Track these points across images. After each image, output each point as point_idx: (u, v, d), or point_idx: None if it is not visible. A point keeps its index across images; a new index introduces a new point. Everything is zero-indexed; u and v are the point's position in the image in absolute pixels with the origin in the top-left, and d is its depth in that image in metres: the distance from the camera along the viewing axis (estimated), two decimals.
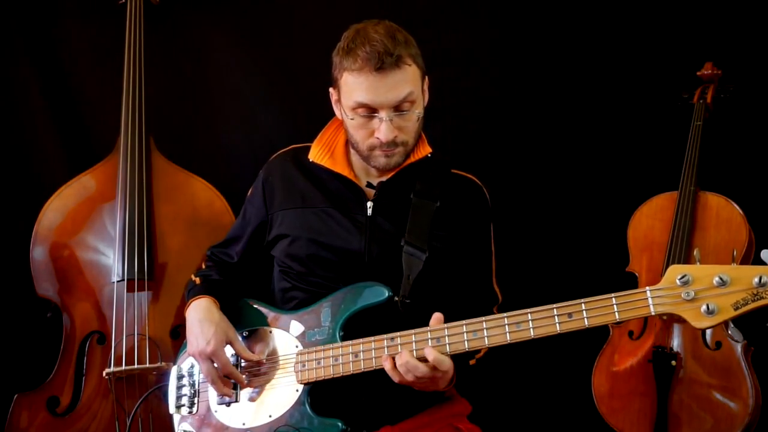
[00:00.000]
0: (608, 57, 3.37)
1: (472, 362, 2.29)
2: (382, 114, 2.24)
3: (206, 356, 2.29)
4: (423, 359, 2.06)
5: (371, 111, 2.25)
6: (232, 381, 2.34)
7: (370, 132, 2.28)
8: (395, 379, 2.10)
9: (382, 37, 2.20)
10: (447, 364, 2.07)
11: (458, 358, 2.15)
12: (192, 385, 2.42)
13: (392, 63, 2.18)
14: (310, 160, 2.44)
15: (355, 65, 2.21)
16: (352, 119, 2.29)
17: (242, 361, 2.35)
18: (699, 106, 3.19)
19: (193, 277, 2.52)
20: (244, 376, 2.33)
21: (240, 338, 2.37)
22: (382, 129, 2.25)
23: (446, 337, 2.06)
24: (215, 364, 2.30)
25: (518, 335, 1.98)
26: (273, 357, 2.32)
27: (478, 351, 2.29)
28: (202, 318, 2.34)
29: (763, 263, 1.77)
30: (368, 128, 2.28)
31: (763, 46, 3.22)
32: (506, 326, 2.00)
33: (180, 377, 2.45)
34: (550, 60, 3.42)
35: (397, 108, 2.24)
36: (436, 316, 2.11)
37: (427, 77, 2.38)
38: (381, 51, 2.17)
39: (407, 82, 2.23)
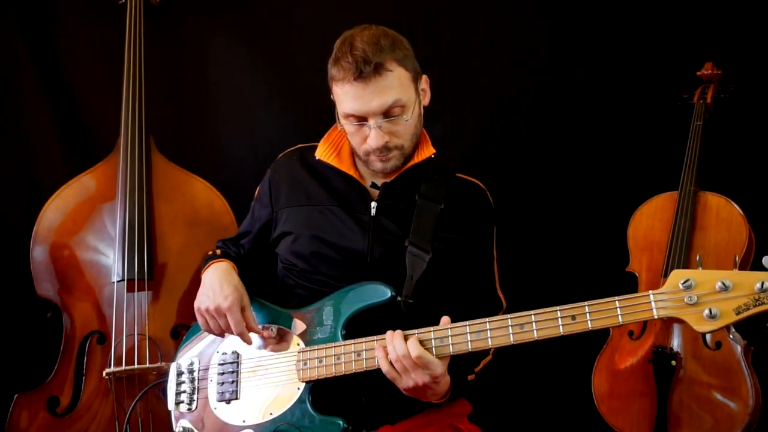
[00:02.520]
0: (608, 57, 3.37)
1: (471, 377, 2.30)
2: (371, 122, 2.25)
3: (222, 312, 2.29)
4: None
5: (360, 119, 2.27)
6: (233, 380, 2.35)
7: (363, 138, 2.30)
8: (384, 368, 2.11)
9: (365, 45, 2.20)
10: (436, 366, 2.07)
11: (456, 372, 2.16)
12: (191, 381, 2.42)
13: (371, 71, 2.19)
14: (317, 158, 2.45)
15: (339, 75, 2.24)
16: (344, 127, 2.32)
17: (243, 369, 2.35)
18: (699, 106, 3.18)
19: (210, 252, 2.54)
20: (244, 374, 2.34)
21: (252, 308, 2.37)
22: (372, 136, 2.27)
23: (449, 338, 2.06)
24: (230, 320, 2.29)
25: (521, 336, 1.99)
26: (274, 354, 2.32)
27: (477, 364, 2.31)
28: (221, 277, 2.35)
29: (764, 269, 1.79)
30: (361, 135, 2.30)
31: (763, 46, 3.22)
32: (510, 327, 2.01)
33: (179, 374, 2.45)
34: (550, 60, 3.42)
35: (386, 114, 2.25)
36: (445, 320, 2.11)
37: (425, 76, 2.38)
38: (359, 60, 2.18)
39: (392, 88, 2.23)
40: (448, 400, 2.29)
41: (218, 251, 2.52)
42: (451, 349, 2.06)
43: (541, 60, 3.43)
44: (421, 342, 2.08)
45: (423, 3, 3.43)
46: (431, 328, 2.09)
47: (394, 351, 2.08)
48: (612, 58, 3.37)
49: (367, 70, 2.18)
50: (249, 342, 2.33)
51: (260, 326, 2.36)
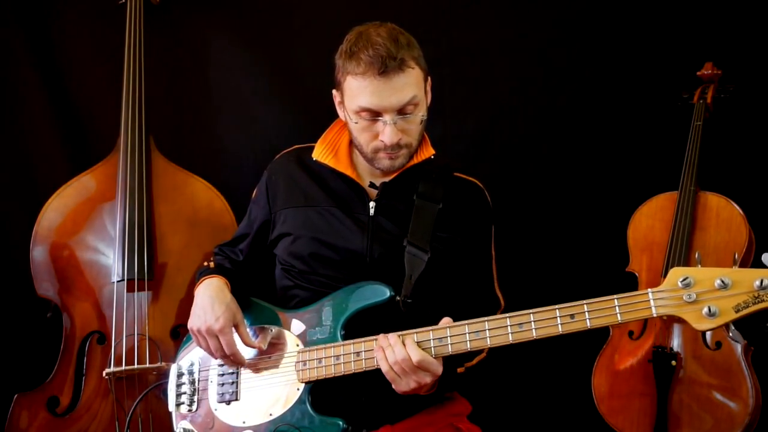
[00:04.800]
0: (609, 57, 3.37)
1: (460, 370, 2.28)
2: (386, 117, 2.24)
3: (213, 333, 2.29)
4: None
5: (375, 114, 2.25)
6: (232, 381, 2.35)
7: (374, 135, 2.29)
8: (384, 368, 2.10)
9: (385, 41, 2.19)
10: (436, 367, 2.08)
11: (446, 366, 2.15)
12: (192, 383, 2.43)
13: (395, 67, 2.18)
14: (314, 159, 2.45)
15: (358, 69, 2.21)
16: (356, 122, 2.29)
17: (242, 370, 2.36)
18: (699, 106, 3.19)
19: (205, 263, 2.54)
20: (243, 375, 2.34)
21: (246, 324, 2.37)
22: (387, 132, 2.25)
23: (448, 337, 2.06)
24: (221, 342, 2.30)
25: (520, 336, 1.99)
26: (274, 355, 2.32)
27: (470, 359, 2.30)
28: (213, 295, 2.35)
29: (763, 266, 1.78)
30: (372, 131, 2.29)
31: (763, 46, 3.23)
32: (509, 327, 2.01)
33: (180, 375, 2.46)
34: (551, 60, 3.42)
35: (401, 111, 2.24)
36: (446, 320, 2.11)
37: (429, 78, 2.38)
38: (384, 55, 2.17)
39: (411, 85, 2.22)
40: (445, 398, 2.30)
41: (211, 264, 2.52)
42: (449, 349, 2.06)
43: (541, 60, 3.42)
44: (420, 343, 2.08)
45: (423, 3, 3.43)
46: (430, 328, 2.09)
47: (393, 355, 2.07)
48: (612, 58, 3.37)
49: (392, 65, 2.17)
50: (242, 363, 2.34)
51: (259, 327, 2.37)
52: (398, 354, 2.06)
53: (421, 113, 2.29)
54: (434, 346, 2.07)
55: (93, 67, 3.38)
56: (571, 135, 3.42)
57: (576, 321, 1.93)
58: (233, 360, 2.33)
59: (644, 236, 3.14)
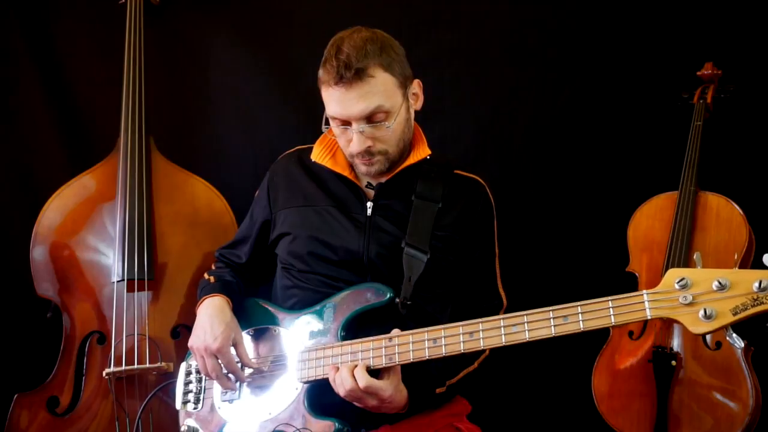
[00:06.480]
0: (609, 57, 3.36)
1: (440, 390, 2.30)
2: (353, 126, 2.26)
3: (211, 352, 2.30)
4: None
5: (344, 123, 2.28)
6: (235, 380, 2.36)
7: (348, 141, 2.32)
8: (342, 393, 2.15)
9: (350, 50, 2.20)
10: (384, 390, 2.12)
11: (422, 385, 2.20)
12: (199, 381, 2.45)
13: (352, 77, 2.19)
14: (312, 160, 2.46)
15: (324, 78, 2.25)
16: (334, 128, 2.32)
17: (245, 369, 2.37)
18: (699, 106, 3.19)
19: (206, 275, 2.55)
20: (246, 374, 2.35)
21: (244, 343, 2.38)
22: (354, 141, 2.28)
23: (443, 338, 2.06)
24: (219, 361, 2.31)
25: (513, 337, 1.99)
26: (275, 355, 2.34)
27: (453, 375, 2.32)
28: (213, 315, 2.36)
29: (764, 267, 1.74)
30: (346, 138, 2.32)
31: (763, 46, 3.22)
32: (502, 328, 2.00)
33: (188, 374, 2.48)
34: (551, 60, 3.42)
35: (369, 119, 2.25)
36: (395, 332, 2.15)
37: (417, 81, 2.38)
38: (341, 65, 2.18)
39: (374, 94, 2.22)
40: (439, 406, 2.32)
41: (212, 278, 2.52)
42: (443, 350, 2.06)
43: (541, 60, 3.42)
44: (415, 343, 2.09)
45: (423, 3, 3.43)
46: (425, 329, 2.10)
47: (342, 384, 2.12)
48: (612, 57, 3.36)
49: (347, 76, 2.18)
50: (242, 379, 2.35)
51: (261, 327, 2.39)
52: (346, 383, 2.11)
53: (390, 121, 2.27)
54: (428, 347, 2.08)
55: (93, 68, 3.38)
56: (571, 135, 3.41)
57: (569, 323, 1.92)
58: (234, 376, 2.34)
59: (644, 236, 3.14)
